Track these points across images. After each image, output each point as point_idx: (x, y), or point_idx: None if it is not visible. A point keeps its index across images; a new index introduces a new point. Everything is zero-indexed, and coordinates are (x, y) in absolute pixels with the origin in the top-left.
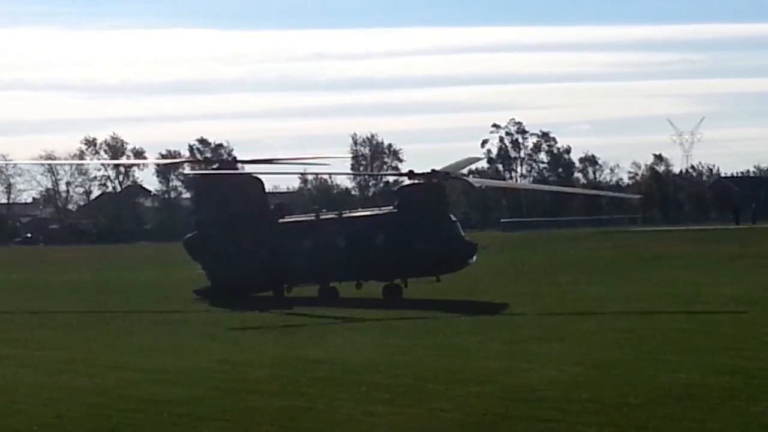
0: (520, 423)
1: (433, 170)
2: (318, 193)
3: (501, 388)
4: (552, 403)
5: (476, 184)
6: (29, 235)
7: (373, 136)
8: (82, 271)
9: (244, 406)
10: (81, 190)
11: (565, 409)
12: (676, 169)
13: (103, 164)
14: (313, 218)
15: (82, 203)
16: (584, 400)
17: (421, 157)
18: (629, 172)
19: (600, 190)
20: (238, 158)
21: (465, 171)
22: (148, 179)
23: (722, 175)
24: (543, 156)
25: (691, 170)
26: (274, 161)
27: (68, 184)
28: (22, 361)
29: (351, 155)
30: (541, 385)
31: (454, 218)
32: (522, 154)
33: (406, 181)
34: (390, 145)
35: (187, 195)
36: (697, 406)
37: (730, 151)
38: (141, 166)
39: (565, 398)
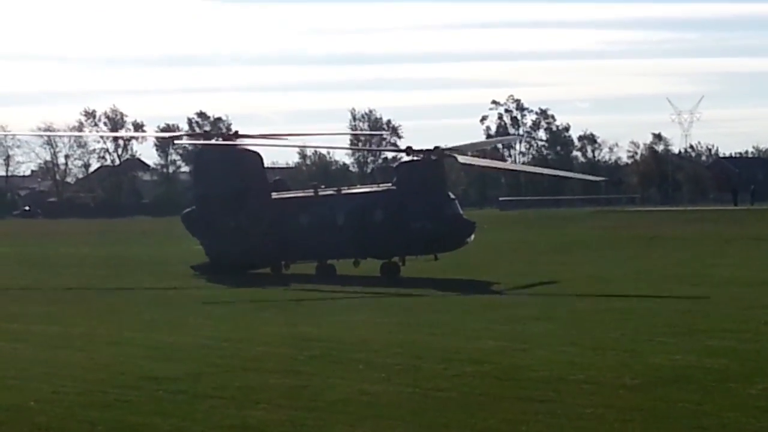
0: (516, 403)
1: (436, 147)
2: (316, 169)
3: (497, 368)
4: (548, 383)
5: (461, 160)
6: (27, 208)
7: (371, 111)
8: (79, 245)
9: (241, 383)
10: (80, 163)
11: (561, 390)
12: (675, 149)
13: (102, 137)
14: (311, 194)
15: (80, 176)
16: (580, 380)
17: (420, 133)
18: (628, 151)
19: (598, 169)
20: (239, 132)
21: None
22: (147, 153)
23: (721, 155)
24: (542, 133)
25: (690, 150)
26: (274, 136)
27: (67, 156)
28: (18, 335)
29: (351, 132)
30: (537, 365)
31: (452, 196)
32: (521, 132)
33: (405, 158)
34: (389, 121)
35: (185, 169)
36: (692, 388)
37: (729, 131)
38: (140, 140)
39: (560, 379)
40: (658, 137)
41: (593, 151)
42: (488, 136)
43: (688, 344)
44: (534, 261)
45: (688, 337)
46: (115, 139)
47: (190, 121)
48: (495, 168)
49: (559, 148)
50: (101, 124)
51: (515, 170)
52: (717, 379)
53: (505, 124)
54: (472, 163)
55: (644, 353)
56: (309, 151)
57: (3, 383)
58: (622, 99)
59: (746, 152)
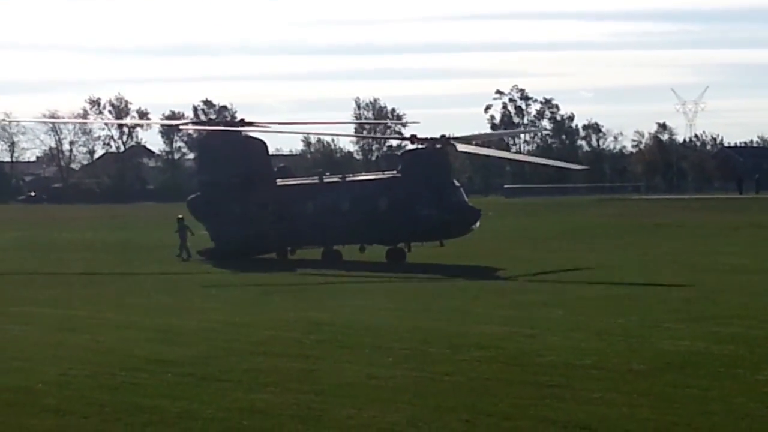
0: (523, 388)
1: (442, 136)
2: (321, 156)
3: (504, 353)
4: (555, 368)
5: (459, 149)
6: (33, 193)
7: (376, 100)
8: (85, 230)
9: (248, 366)
10: (84, 149)
11: (569, 375)
12: (680, 138)
13: (107, 124)
14: (316, 181)
15: (85, 162)
16: (588, 366)
17: (424, 122)
18: (633, 140)
19: (602, 158)
20: (245, 120)
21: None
22: (152, 139)
23: (726, 144)
24: (546, 123)
25: (694, 139)
26: (281, 124)
27: (71, 143)
28: (26, 319)
29: (355, 121)
30: (544, 350)
31: (457, 183)
32: (525, 121)
33: (410, 146)
34: (393, 110)
35: (190, 156)
36: (700, 373)
37: (733, 121)
38: (145, 127)
39: (568, 364)
40: (662, 127)
41: (597, 141)
42: (492, 125)
43: (695, 331)
44: (539, 248)
45: (695, 324)
46: (120, 126)
47: (195, 109)
48: (485, 155)
49: (564, 137)
50: (106, 112)
51: (502, 158)
52: (724, 365)
53: (510, 113)
54: (468, 150)
55: (651, 339)
56: (313, 139)
57: (11, 366)
58: (626, 89)
59: (751, 142)
